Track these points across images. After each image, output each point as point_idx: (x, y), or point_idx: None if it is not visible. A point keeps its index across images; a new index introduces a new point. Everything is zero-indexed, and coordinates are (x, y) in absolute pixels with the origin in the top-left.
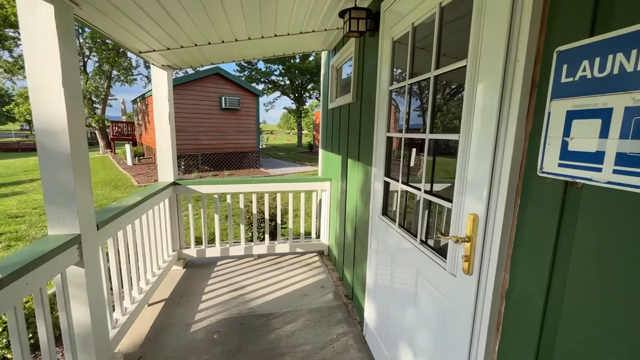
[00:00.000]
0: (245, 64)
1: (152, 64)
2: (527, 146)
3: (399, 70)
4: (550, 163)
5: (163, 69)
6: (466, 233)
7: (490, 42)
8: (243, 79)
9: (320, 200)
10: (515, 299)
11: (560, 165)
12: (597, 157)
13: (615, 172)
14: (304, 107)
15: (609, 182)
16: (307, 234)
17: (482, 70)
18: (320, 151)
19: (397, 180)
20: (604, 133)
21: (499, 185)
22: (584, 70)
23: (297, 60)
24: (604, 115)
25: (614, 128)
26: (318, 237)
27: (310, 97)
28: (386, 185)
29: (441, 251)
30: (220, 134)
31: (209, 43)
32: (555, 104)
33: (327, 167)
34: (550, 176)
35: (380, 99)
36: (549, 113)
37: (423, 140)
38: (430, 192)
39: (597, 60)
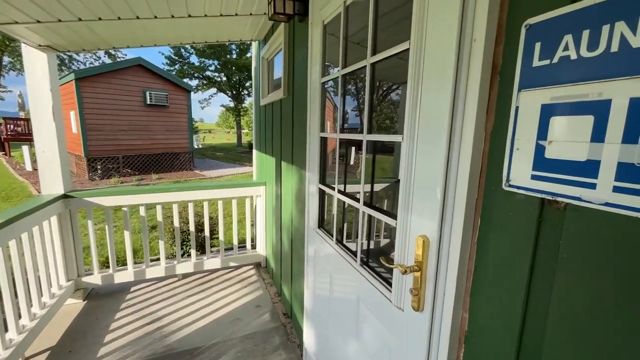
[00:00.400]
0: (176, 57)
1: (23, 42)
2: (488, 151)
3: (336, 69)
4: (519, 174)
5: (41, 50)
6: (415, 260)
7: (439, 15)
8: (174, 73)
9: (255, 206)
10: (476, 344)
11: (534, 177)
12: (589, 168)
13: (616, 189)
14: (243, 105)
15: (607, 204)
16: (242, 245)
17: (429, 54)
18: (255, 152)
19: (334, 188)
20: (598, 135)
21: (454, 201)
22: (566, 48)
23: (234, 56)
24: (598, 109)
25: (613, 128)
26: (254, 247)
27: (249, 95)
28: (321, 193)
29: (386, 276)
30: (146, 133)
31: (100, 19)
32: (526, 96)
33: (261, 170)
34: (520, 191)
35: (312, 94)
36: (517, 108)
37: (361, 141)
38: (370, 204)
39: (586, 33)
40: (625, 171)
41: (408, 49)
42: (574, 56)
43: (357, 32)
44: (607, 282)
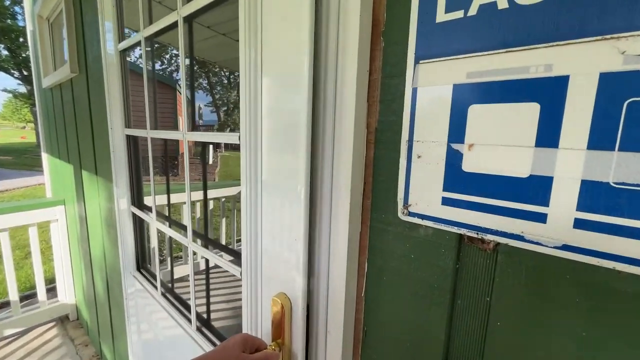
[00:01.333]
0: None
1: None
2: (374, 159)
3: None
4: (424, 197)
5: None
6: (271, 338)
7: None
8: None
9: (51, 236)
10: None
11: (446, 201)
12: (535, 189)
13: (580, 224)
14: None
15: (565, 247)
16: (32, 294)
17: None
18: (45, 157)
19: (150, 212)
20: (548, 136)
21: (329, 239)
22: None
23: (20, 23)
24: (548, 93)
25: (573, 123)
26: (53, 295)
27: None
28: (137, 219)
29: None
30: None
31: None
32: (427, 71)
33: (57, 183)
34: (426, 223)
35: (109, 70)
36: (415, 90)
37: (203, 143)
38: (206, 236)
39: None
40: (595, 195)
41: None
42: (503, 3)
43: None
44: None
